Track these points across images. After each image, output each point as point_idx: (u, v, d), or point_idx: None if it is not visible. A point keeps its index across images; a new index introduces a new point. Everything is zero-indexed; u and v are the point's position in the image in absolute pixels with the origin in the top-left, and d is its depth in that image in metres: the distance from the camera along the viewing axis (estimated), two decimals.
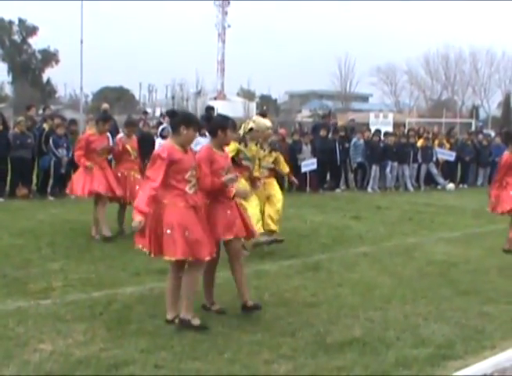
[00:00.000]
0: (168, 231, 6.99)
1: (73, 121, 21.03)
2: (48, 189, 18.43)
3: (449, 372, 6.24)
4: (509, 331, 7.53)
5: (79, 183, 12.42)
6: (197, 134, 7.98)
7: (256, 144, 11.01)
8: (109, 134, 13.11)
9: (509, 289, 9.43)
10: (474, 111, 74.25)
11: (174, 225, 7.00)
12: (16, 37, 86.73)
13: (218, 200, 7.71)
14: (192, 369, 6.06)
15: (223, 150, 8.02)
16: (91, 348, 6.46)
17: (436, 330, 7.42)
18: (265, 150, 11.54)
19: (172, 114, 7.67)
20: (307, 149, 22.61)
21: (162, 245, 7.02)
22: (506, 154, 11.41)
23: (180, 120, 7.35)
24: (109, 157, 13.29)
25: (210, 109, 25.92)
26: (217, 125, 7.85)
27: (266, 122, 11.27)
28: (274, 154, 12.05)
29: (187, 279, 7.23)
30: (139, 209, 6.90)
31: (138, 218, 6.87)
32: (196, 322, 7.18)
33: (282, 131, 24.79)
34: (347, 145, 23.90)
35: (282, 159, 12.40)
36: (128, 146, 12.62)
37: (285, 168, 12.45)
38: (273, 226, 11.58)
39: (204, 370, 6.04)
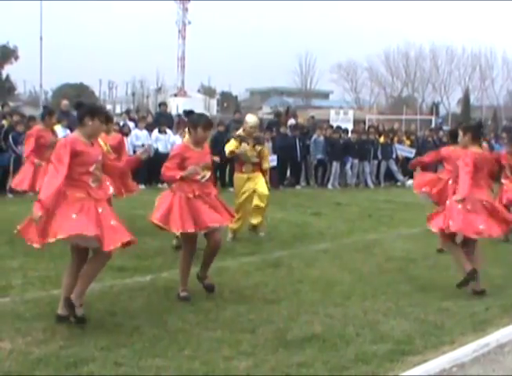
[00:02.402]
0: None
1: (32, 118, 20.82)
2: (7, 187, 18.23)
3: (408, 367, 6.29)
4: (468, 327, 7.61)
5: (26, 179, 12.34)
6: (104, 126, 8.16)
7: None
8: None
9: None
10: (434, 108, 74.78)
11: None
12: None
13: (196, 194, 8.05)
14: (152, 366, 6.06)
15: (202, 147, 8.20)
16: (50, 347, 6.43)
17: (395, 326, 7.47)
18: (248, 144, 12.03)
19: (78, 106, 7.64)
20: (267, 145, 22.61)
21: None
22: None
23: (85, 111, 7.27)
24: None
25: (162, 104, 26.00)
26: (189, 123, 8.10)
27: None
28: (258, 148, 12.30)
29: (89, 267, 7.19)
30: (44, 204, 6.72)
31: (39, 213, 6.70)
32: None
33: None
34: (307, 142, 23.97)
35: (266, 153, 12.68)
36: (102, 143, 12.29)
37: (264, 164, 12.59)
38: (253, 220, 12.22)
39: (164, 367, 6.04)
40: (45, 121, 12.73)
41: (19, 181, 12.66)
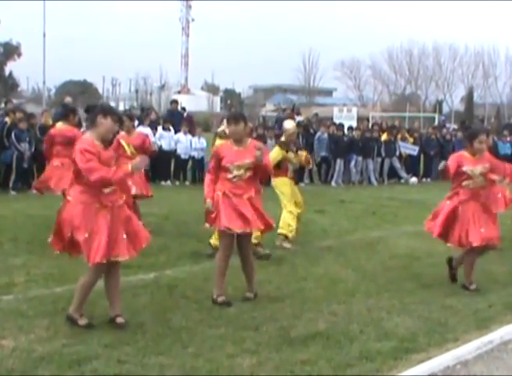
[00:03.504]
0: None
1: (32, 115, 20.82)
2: (10, 184, 18.23)
3: (412, 365, 6.29)
4: (471, 324, 7.60)
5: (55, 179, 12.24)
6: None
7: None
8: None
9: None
10: (438, 106, 74.70)
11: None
12: None
13: None
14: (156, 364, 6.05)
15: (244, 145, 8.27)
16: (53, 344, 6.42)
17: (399, 324, 7.46)
18: (292, 152, 11.92)
19: (89, 109, 7.54)
20: (271, 143, 22.59)
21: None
22: None
23: (97, 110, 7.14)
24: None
25: (174, 102, 25.93)
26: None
27: None
28: (300, 153, 12.22)
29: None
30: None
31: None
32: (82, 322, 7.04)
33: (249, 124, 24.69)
34: (311, 139, 23.93)
35: (305, 156, 12.47)
36: (125, 144, 11.93)
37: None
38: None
39: (168, 365, 6.03)
40: (70, 120, 12.60)
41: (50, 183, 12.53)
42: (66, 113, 13.18)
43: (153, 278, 9.03)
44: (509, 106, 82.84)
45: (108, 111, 7.17)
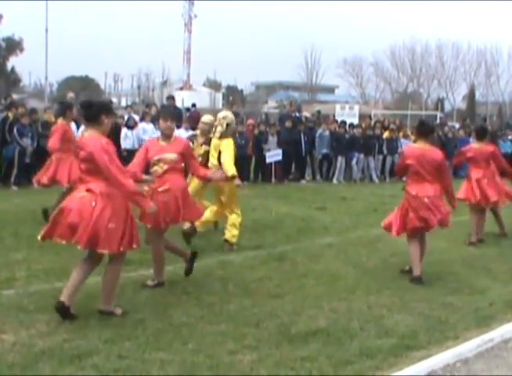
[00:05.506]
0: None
1: (34, 110, 20.81)
2: (12, 179, 18.23)
3: (412, 362, 6.30)
4: (472, 322, 7.62)
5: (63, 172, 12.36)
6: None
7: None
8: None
9: (472, 280, 9.53)
10: (440, 104, 74.61)
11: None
12: None
13: None
14: (156, 359, 6.05)
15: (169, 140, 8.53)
16: (54, 339, 6.43)
17: (400, 321, 7.47)
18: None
19: (88, 105, 7.56)
20: (273, 139, 22.62)
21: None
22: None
23: (100, 108, 7.31)
24: None
25: (170, 98, 25.93)
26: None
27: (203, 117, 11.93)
28: (205, 148, 11.65)
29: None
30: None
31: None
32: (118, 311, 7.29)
33: (250, 121, 24.69)
34: (312, 136, 23.94)
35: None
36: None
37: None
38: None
39: (168, 361, 6.03)
40: (66, 115, 12.76)
41: (41, 175, 12.67)
42: (63, 110, 13.34)
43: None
44: (511, 104, 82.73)
45: (110, 110, 7.47)
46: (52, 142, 12.47)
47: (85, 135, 7.29)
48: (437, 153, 9.59)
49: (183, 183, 8.66)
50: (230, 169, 10.26)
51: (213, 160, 10.81)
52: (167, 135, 8.55)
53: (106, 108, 7.39)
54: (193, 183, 11.26)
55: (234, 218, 10.95)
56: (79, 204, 6.98)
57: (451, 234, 11.68)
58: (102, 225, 6.90)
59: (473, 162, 12.65)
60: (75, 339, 6.44)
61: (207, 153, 11.27)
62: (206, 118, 11.83)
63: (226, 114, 11.10)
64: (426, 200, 9.39)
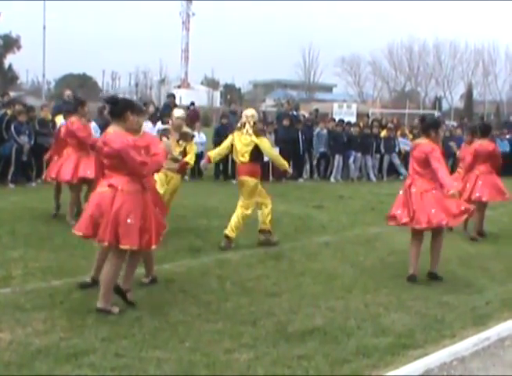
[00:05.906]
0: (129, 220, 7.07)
1: (32, 108, 20.75)
2: (9, 177, 18.18)
3: (409, 361, 6.30)
4: (468, 321, 7.62)
5: (67, 168, 12.34)
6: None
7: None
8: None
9: (469, 279, 9.54)
10: (437, 102, 74.79)
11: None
12: None
13: None
14: (153, 357, 6.05)
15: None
16: (50, 338, 6.42)
17: (396, 320, 7.48)
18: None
19: (114, 101, 7.56)
20: (270, 138, 22.59)
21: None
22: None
23: (125, 105, 7.43)
24: None
25: (170, 96, 25.88)
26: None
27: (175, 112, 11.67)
28: (182, 144, 11.38)
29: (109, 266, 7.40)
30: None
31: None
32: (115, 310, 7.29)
33: None
34: (310, 134, 23.92)
35: (192, 150, 11.60)
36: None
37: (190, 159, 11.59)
38: None
39: (165, 359, 6.03)
40: (78, 111, 12.73)
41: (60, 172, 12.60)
42: (75, 106, 13.28)
43: None
44: (508, 103, 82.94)
45: (135, 107, 7.52)
46: (86, 138, 12.42)
47: (110, 132, 7.36)
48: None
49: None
50: (285, 163, 11.59)
51: (241, 158, 11.13)
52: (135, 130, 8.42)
53: (132, 105, 7.49)
54: (174, 180, 11.27)
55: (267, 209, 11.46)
56: (99, 199, 7.18)
57: (448, 233, 11.67)
58: (122, 220, 7.03)
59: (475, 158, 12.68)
60: (72, 338, 6.43)
61: (185, 150, 11.28)
62: (179, 113, 11.71)
63: (253, 112, 11.38)
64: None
